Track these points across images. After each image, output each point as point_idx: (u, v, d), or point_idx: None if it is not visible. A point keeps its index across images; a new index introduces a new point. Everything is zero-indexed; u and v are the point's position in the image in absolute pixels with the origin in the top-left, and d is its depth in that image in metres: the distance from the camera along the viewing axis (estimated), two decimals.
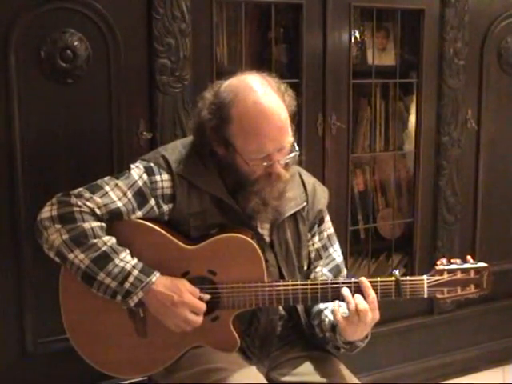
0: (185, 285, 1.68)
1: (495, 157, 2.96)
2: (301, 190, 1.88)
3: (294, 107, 1.76)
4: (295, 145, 1.74)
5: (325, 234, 1.94)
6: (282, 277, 1.80)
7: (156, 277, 1.65)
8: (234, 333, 1.73)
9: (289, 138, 1.70)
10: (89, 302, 1.73)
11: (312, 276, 1.89)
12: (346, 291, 1.69)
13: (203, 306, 1.67)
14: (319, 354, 1.84)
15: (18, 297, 2.11)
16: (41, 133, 2.07)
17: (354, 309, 1.66)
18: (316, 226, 1.91)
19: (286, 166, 1.74)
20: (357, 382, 1.81)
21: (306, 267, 1.89)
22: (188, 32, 2.20)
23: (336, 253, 1.94)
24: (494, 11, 2.83)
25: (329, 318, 1.79)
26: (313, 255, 1.91)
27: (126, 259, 1.65)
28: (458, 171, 2.85)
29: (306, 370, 1.79)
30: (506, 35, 2.87)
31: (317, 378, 1.77)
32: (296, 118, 2.49)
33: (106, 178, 1.74)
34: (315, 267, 1.90)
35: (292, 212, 1.83)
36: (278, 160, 1.70)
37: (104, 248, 1.64)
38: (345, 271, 1.95)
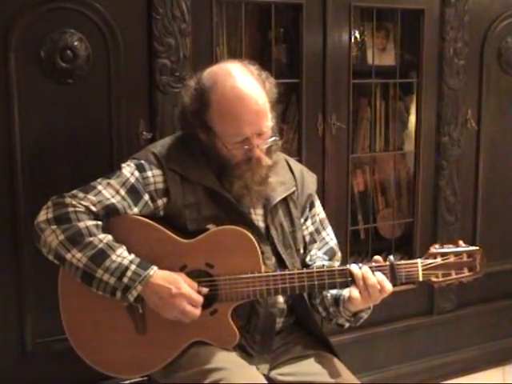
0: (183, 277, 1.70)
1: (495, 157, 2.96)
2: (289, 175, 1.92)
3: (275, 94, 1.81)
4: (276, 130, 1.79)
5: (317, 218, 1.97)
6: (280, 264, 1.82)
7: (153, 270, 1.67)
8: (233, 326, 1.73)
9: (267, 122, 1.75)
10: (88, 302, 1.73)
11: (307, 259, 1.92)
12: (355, 268, 1.72)
13: (201, 298, 1.69)
14: (319, 353, 1.84)
15: (18, 297, 2.11)
16: (41, 133, 2.07)
17: (363, 285, 1.70)
18: (307, 210, 1.95)
19: (268, 153, 1.78)
20: (357, 382, 1.81)
21: (302, 251, 1.91)
22: (188, 32, 2.20)
23: (329, 236, 1.98)
24: (494, 11, 2.83)
25: (331, 293, 1.82)
26: (307, 239, 1.94)
27: (122, 255, 1.67)
28: (458, 171, 2.85)
29: (306, 369, 1.79)
30: (506, 35, 2.87)
31: (317, 377, 1.77)
32: (295, 114, 2.52)
33: (99, 179, 1.77)
34: (310, 250, 1.93)
35: (283, 196, 1.87)
36: (257, 145, 1.74)
37: (100, 245, 1.67)
38: (339, 254, 1.98)
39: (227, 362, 1.69)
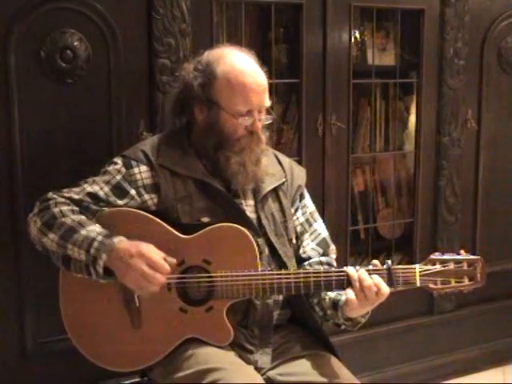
0: (148, 244, 1.68)
1: (495, 157, 2.97)
2: (278, 168, 1.96)
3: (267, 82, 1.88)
4: (271, 112, 1.87)
5: (307, 210, 1.99)
6: (273, 253, 1.83)
7: (120, 239, 1.67)
8: (228, 324, 1.74)
9: (268, 98, 1.83)
10: (87, 296, 1.75)
11: (301, 251, 1.93)
12: (351, 270, 1.72)
13: (164, 263, 1.65)
14: (319, 353, 1.84)
15: (17, 297, 2.11)
16: (41, 133, 2.07)
17: (359, 286, 1.69)
18: (297, 201, 1.97)
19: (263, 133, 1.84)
20: (357, 382, 1.81)
21: (294, 241, 1.93)
22: (188, 32, 2.20)
23: (321, 228, 1.99)
24: (494, 11, 2.83)
25: (329, 296, 1.82)
26: (299, 229, 1.95)
27: (92, 229, 1.68)
28: (457, 171, 2.85)
29: (306, 369, 1.79)
30: (506, 35, 2.88)
31: (316, 377, 1.77)
32: (295, 114, 2.51)
33: (86, 179, 1.81)
34: (302, 241, 1.94)
35: (273, 186, 1.90)
36: (259, 119, 1.80)
37: (71, 224, 1.69)
38: (333, 246, 1.99)
39: (225, 362, 1.69)
